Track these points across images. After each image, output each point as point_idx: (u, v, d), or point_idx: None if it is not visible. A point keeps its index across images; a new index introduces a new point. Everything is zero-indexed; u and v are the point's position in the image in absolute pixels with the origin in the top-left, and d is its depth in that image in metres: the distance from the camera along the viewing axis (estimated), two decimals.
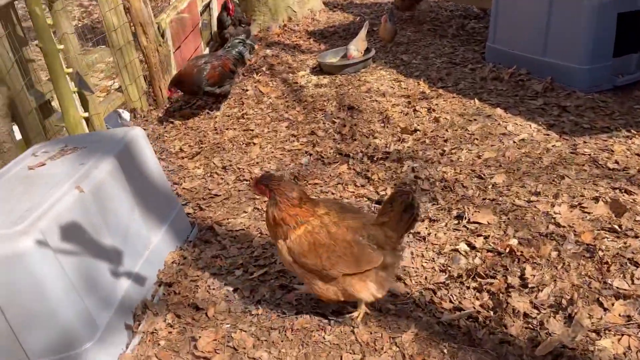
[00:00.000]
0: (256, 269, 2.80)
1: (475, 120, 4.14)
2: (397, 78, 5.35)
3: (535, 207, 2.97)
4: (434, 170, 3.58)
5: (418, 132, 4.16)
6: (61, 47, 4.10)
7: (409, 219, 2.13)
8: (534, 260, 2.59)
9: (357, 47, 5.85)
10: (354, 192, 3.51)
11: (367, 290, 2.24)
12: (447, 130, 4.09)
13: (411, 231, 2.24)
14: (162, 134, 5.01)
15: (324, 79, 5.76)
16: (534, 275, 2.51)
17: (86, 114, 4.49)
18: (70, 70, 4.23)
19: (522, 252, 2.64)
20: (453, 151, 3.79)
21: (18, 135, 3.99)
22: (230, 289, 2.70)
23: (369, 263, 2.18)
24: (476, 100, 4.47)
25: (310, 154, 4.12)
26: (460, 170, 3.52)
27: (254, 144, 4.47)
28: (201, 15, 6.48)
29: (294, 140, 4.40)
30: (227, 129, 4.85)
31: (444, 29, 6.50)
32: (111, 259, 2.44)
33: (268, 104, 5.28)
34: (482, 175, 3.41)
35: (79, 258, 2.23)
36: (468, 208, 3.04)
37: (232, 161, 4.21)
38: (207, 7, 6.80)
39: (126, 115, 5.58)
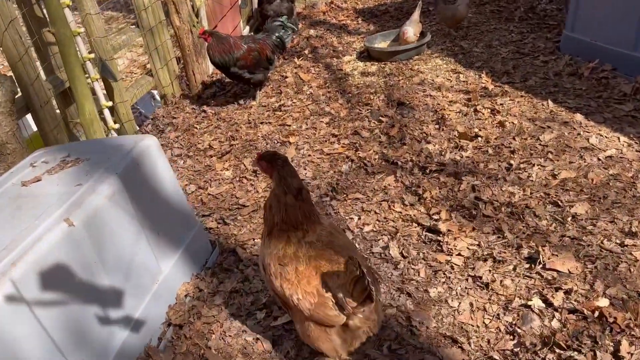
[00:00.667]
0: (281, 314, 2.36)
1: (548, 127, 3.51)
2: (456, 69, 4.71)
3: (630, 254, 2.38)
4: (498, 190, 3.00)
5: (479, 138, 3.57)
6: (81, 30, 3.71)
7: (362, 292, 1.71)
8: (632, 332, 2.03)
9: (412, 30, 5.22)
10: (401, 212, 2.99)
11: (330, 342, 1.89)
12: (514, 138, 3.48)
13: (367, 305, 1.74)
14: (193, 124, 4.60)
15: (371, 66, 5.18)
16: (632, 354, 1.95)
17: (110, 103, 4.12)
18: (92, 55, 3.85)
19: (615, 318, 2.08)
20: (522, 166, 3.19)
21: (34, 127, 3.67)
22: (250, 338, 2.27)
23: (325, 319, 1.82)
24: (549, 102, 3.81)
25: (352, 160, 3.61)
26: (531, 193, 2.94)
27: (290, 143, 3.99)
28: None
29: (334, 142, 3.89)
30: (261, 123, 4.38)
31: (510, 11, 5.75)
32: (108, 302, 2.05)
33: (308, 94, 4.77)
34: (559, 201, 2.82)
35: (65, 308, 1.84)
36: (543, 248, 2.47)
37: None
38: None
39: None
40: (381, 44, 5.55)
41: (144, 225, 2.32)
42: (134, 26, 4.65)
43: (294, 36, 6.26)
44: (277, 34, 4.74)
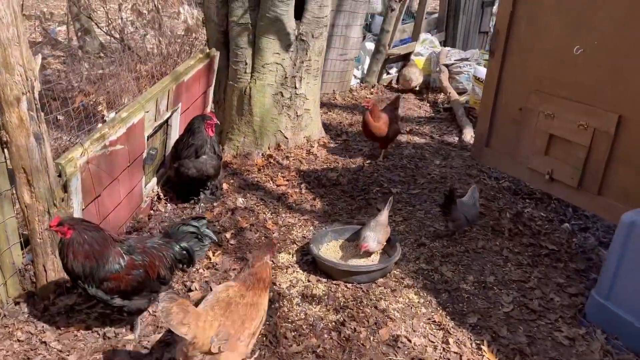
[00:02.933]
0: None
1: None
2: (441, 322, 3.22)
3: None
4: None
5: None
6: None
7: None
8: None
9: (376, 238, 3.78)
10: None
11: None
12: None
13: None
14: None
15: (318, 284, 3.62)
16: None
17: None
18: None
19: None
20: None
21: None
22: None
23: None
24: None
25: None
26: None
27: None
28: (149, 139, 4.35)
29: None
30: None
31: (494, 215, 4.54)
32: None
33: None
34: None
35: None
36: None
37: None
38: (164, 125, 4.70)
39: None
40: (331, 243, 4.05)
41: None
42: None
43: (215, 204, 4.65)
44: (183, 245, 3.05)
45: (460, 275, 3.68)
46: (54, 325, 3.13)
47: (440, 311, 3.33)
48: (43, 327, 3.11)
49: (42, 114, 3.01)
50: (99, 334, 3.07)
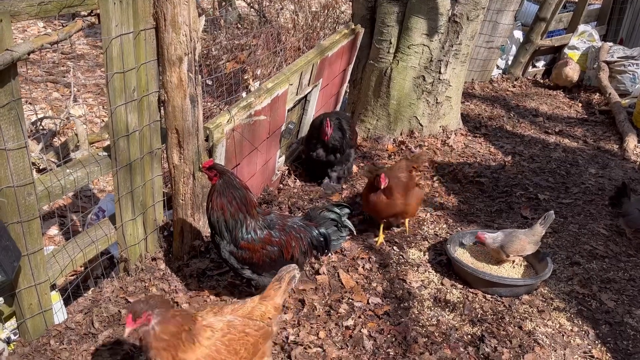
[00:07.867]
0: None
1: None
2: (600, 358, 2.77)
3: None
4: None
5: None
6: None
7: None
8: None
9: (519, 247, 3.37)
10: None
11: None
12: None
13: None
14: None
15: (452, 289, 3.30)
16: None
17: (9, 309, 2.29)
18: None
19: None
20: None
21: None
22: None
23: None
24: None
25: None
26: None
27: None
28: (288, 112, 4.27)
29: None
30: None
31: None
32: None
33: (343, 329, 2.88)
34: None
35: None
36: None
37: None
38: (302, 100, 4.59)
39: None
40: (469, 247, 3.69)
41: None
42: (104, 153, 2.90)
43: (344, 186, 4.49)
44: (322, 230, 2.89)
45: (624, 307, 3.15)
46: (186, 286, 3.16)
47: (600, 346, 2.86)
48: (176, 286, 3.15)
49: (200, 76, 2.99)
50: (226, 302, 3.04)
